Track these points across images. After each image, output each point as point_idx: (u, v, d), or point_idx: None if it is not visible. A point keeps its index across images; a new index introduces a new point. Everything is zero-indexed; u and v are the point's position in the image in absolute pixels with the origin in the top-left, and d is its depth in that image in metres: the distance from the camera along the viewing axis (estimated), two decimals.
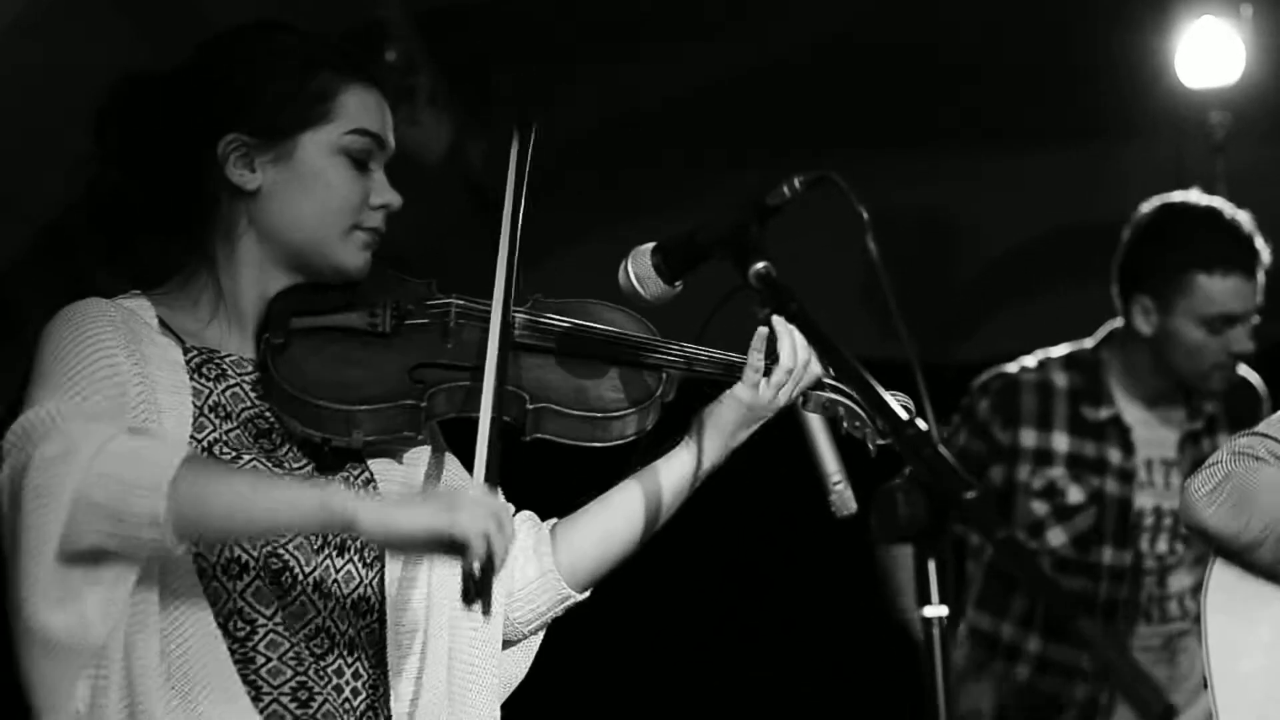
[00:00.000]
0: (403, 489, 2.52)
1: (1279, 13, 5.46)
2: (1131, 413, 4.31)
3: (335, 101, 2.48)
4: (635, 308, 2.58)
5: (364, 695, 2.45)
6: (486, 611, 2.26)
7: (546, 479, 2.68)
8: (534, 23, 5.04)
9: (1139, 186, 5.69)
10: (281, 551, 2.40)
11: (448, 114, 4.66)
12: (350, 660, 2.44)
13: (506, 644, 2.62)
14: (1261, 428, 3.08)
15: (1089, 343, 4.38)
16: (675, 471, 2.62)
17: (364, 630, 2.46)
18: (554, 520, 2.66)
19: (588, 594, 2.65)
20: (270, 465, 2.42)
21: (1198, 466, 4.12)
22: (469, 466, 2.59)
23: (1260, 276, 4.23)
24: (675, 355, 2.61)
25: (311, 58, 2.49)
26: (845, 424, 2.65)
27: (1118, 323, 4.36)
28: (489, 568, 2.26)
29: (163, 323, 2.48)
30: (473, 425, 2.43)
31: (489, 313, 2.50)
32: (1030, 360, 4.37)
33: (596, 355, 2.58)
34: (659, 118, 5.48)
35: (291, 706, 2.39)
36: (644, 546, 2.66)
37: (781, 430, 2.64)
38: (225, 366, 2.47)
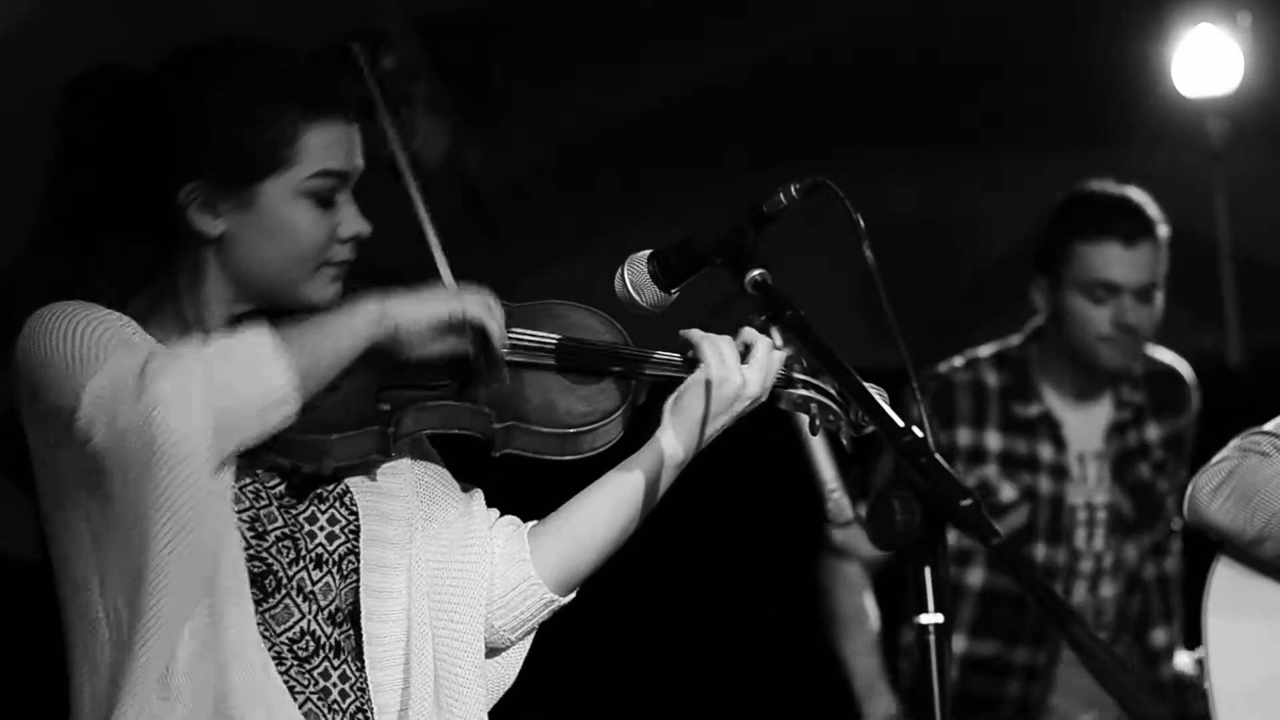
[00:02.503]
0: (378, 499, 2.50)
1: (1277, 21, 5.46)
2: (1060, 407, 4.30)
3: (297, 145, 2.42)
4: (630, 315, 2.57)
5: (353, 697, 2.44)
6: (506, 380, 2.44)
7: (527, 480, 2.65)
8: (532, 28, 5.04)
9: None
10: (265, 555, 2.40)
11: (445, 121, 4.66)
12: (337, 664, 2.43)
13: (493, 651, 2.60)
14: (1271, 427, 3.08)
15: (1015, 339, 4.39)
16: (648, 466, 2.59)
17: (344, 638, 2.45)
18: (534, 523, 2.64)
19: (572, 596, 2.62)
20: (247, 471, 2.39)
21: (1126, 457, 4.31)
22: (454, 470, 2.62)
23: (1150, 251, 4.23)
24: (644, 361, 2.59)
25: (269, 96, 2.42)
26: (818, 420, 2.63)
27: (1040, 320, 4.38)
28: (491, 346, 2.42)
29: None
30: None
31: None
32: (959, 360, 4.36)
33: (564, 367, 2.56)
34: (653, 122, 5.48)
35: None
36: (640, 547, 2.64)
37: (778, 438, 2.64)
38: None
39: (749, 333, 2.59)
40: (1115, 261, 4.21)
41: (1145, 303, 4.24)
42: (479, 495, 2.64)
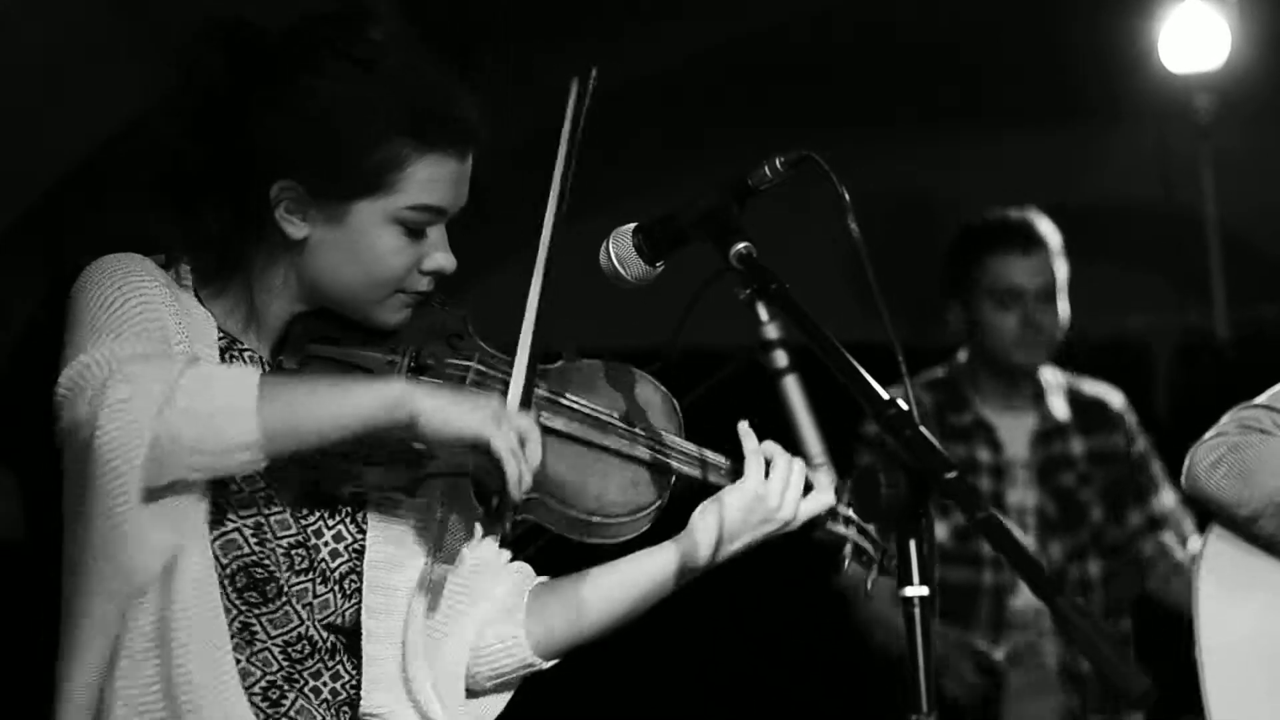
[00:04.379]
0: (391, 521, 2.46)
1: None
2: (990, 415, 4.61)
3: (403, 172, 2.34)
4: (618, 289, 2.54)
5: (344, 695, 2.42)
6: (503, 528, 2.34)
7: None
8: (518, 2, 5.02)
9: (1123, 170, 5.71)
10: (267, 562, 2.37)
11: (488, 116, 4.64)
12: (331, 664, 2.42)
13: (470, 694, 2.54)
14: (1268, 400, 3.08)
15: (942, 369, 4.70)
16: (663, 567, 2.54)
17: (340, 643, 2.43)
18: (541, 580, 2.58)
19: (553, 664, 2.56)
20: (264, 475, 2.34)
21: (1050, 464, 4.54)
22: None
23: (1047, 257, 4.59)
24: (690, 460, 2.54)
25: (388, 116, 2.32)
26: (849, 562, 2.57)
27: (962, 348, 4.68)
28: (505, 489, 2.28)
29: (199, 299, 2.42)
30: None
31: (508, 377, 2.41)
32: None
33: (610, 449, 2.49)
34: (635, 97, 5.46)
35: (263, 705, 2.36)
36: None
37: (767, 415, 2.62)
38: (244, 360, 2.42)
39: (796, 460, 2.54)
40: (1015, 268, 4.58)
41: (1048, 303, 4.58)
42: (494, 539, 2.57)
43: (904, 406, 2.16)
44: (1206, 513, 3.13)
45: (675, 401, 2.59)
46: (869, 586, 2.59)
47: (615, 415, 2.52)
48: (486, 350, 2.49)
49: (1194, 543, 4.53)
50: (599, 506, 2.47)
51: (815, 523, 2.59)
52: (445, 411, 2.26)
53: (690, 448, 2.55)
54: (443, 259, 2.40)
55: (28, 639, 2.39)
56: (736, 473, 2.55)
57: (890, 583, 4.29)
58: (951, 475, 2.07)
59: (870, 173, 4.84)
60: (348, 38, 2.37)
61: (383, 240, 2.37)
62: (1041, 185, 5.54)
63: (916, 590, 2.08)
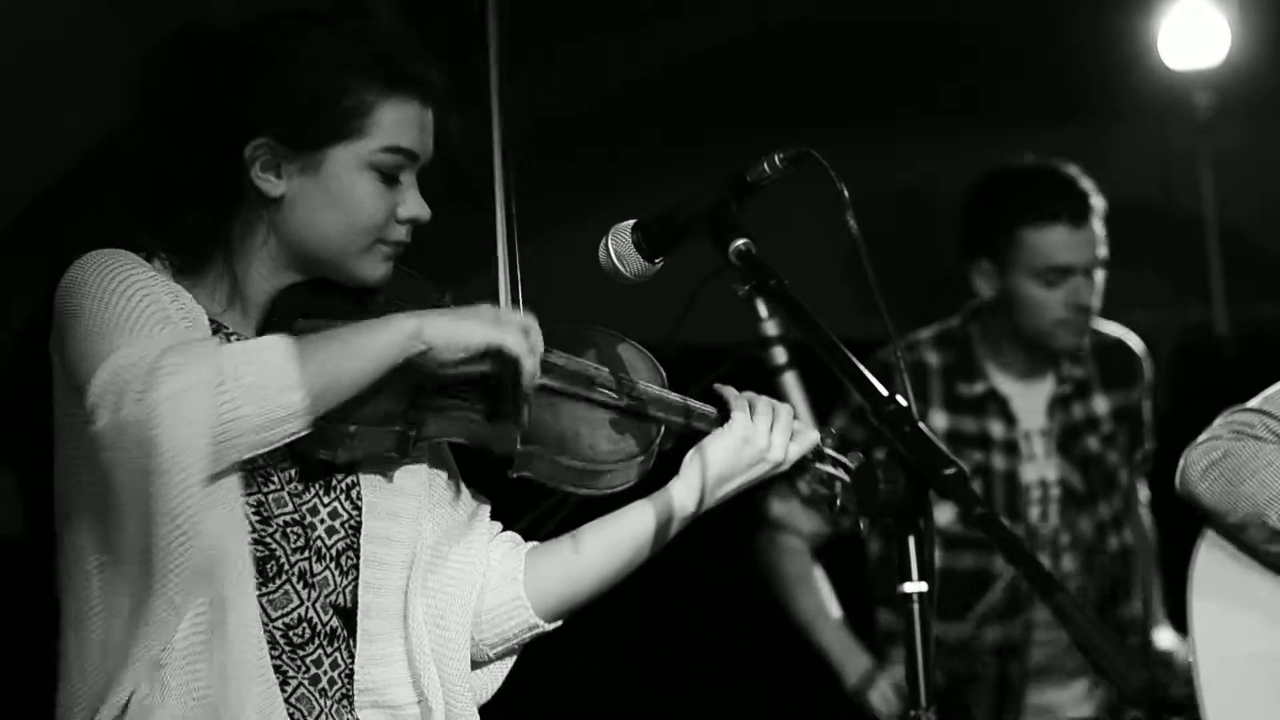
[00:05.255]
0: (387, 496, 2.48)
1: None
2: (1005, 385, 4.28)
3: (371, 117, 2.40)
4: (617, 286, 2.56)
5: (340, 685, 2.43)
6: (522, 422, 2.38)
7: (537, 499, 2.62)
8: (518, 3, 5.02)
9: (1123, 167, 5.70)
10: (269, 540, 2.38)
11: (450, 74, 4.64)
12: (330, 650, 2.42)
13: (475, 665, 2.57)
14: (1260, 404, 3.08)
15: (956, 320, 4.36)
16: (657, 515, 2.57)
17: (340, 626, 2.44)
18: (534, 544, 2.61)
19: (558, 624, 2.59)
20: (261, 459, 2.36)
21: (1072, 431, 4.28)
22: (469, 479, 2.60)
23: (1095, 228, 4.21)
24: (676, 409, 2.58)
25: (352, 65, 2.40)
26: (839, 499, 2.62)
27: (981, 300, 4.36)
28: (519, 381, 2.36)
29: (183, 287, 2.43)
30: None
31: None
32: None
33: (598, 401, 2.54)
34: (634, 96, 5.47)
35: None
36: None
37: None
38: None
39: (780, 404, 2.59)
40: (1067, 246, 4.18)
41: (1092, 280, 4.22)
42: (486, 507, 2.62)
43: (903, 403, 2.16)
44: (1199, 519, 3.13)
45: (653, 356, 2.63)
46: (864, 528, 2.61)
47: (601, 368, 2.56)
48: None
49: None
50: (592, 455, 2.51)
51: (803, 464, 2.62)
52: (453, 330, 2.34)
53: (676, 397, 2.60)
54: (417, 206, 2.46)
55: (27, 637, 2.39)
56: (723, 419, 2.60)
57: (802, 546, 4.26)
58: (950, 472, 2.07)
59: (870, 170, 4.83)
60: (300, 14, 2.45)
61: (359, 186, 2.42)
62: None
63: (916, 586, 2.08)
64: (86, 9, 4.40)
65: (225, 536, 2.29)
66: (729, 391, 2.61)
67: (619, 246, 2.50)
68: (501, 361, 2.36)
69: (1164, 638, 4.44)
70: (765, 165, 2.42)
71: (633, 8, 5.38)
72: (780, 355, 2.25)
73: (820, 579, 4.36)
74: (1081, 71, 5.49)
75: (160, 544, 2.24)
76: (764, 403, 2.60)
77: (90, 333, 2.30)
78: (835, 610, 4.35)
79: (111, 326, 2.29)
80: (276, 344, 2.28)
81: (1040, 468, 4.29)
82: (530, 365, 2.37)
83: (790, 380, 2.21)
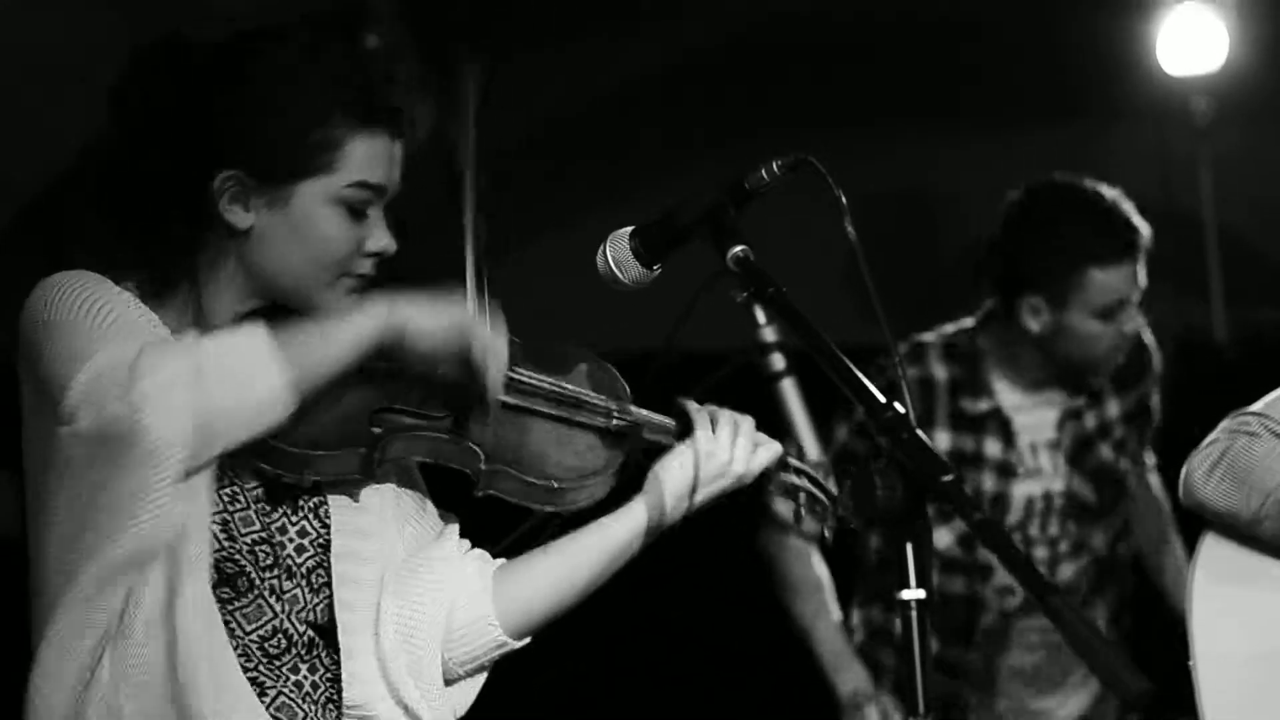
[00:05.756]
0: (355, 514, 2.48)
1: None
2: (1011, 400, 4.20)
3: (341, 151, 2.40)
4: (614, 292, 2.55)
5: (324, 689, 2.43)
6: (483, 421, 2.40)
7: (506, 517, 2.62)
8: (511, 6, 5.03)
9: (1122, 170, 5.69)
10: (236, 557, 2.38)
11: (429, 100, 4.64)
12: (308, 657, 2.43)
13: (446, 682, 2.56)
14: (1262, 408, 3.08)
15: (969, 322, 4.27)
16: (622, 531, 2.57)
17: (317, 637, 2.44)
18: (502, 562, 2.62)
19: (525, 642, 2.59)
20: (227, 473, 2.38)
21: (1081, 443, 4.23)
22: (437, 501, 2.61)
23: (1142, 258, 4.12)
24: (639, 424, 2.59)
25: (322, 98, 2.39)
26: (804, 509, 2.63)
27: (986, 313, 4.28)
28: (483, 386, 2.38)
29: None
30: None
31: None
32: (903, 346, 4.23)
33: (562, 419, 2.55)
34: (633, 99, 5.47)
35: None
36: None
37: (764, 418, 2.62)
38: None
39: (742, 416, 2.60)
40: (1128, 281, 4.10)
41: (1137, 306, 4.17)
42: (454, 526, 2.62)
43: (901, 410, 2.16)
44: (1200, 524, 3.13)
45: (618, 373, 2.63)
46: (828, 535, 2.60)
47: (565, 385, 2.57)
48: None
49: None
50: (557, 472, 2.52)
51: (768, 475, 2.63)
52: (427, 314, 2.36)
53: (639, 412, 2.60)
54: (384, 240, 2.45)
55: (27, 637, 2.39)
56: (687, 433, 2.60)
57: (807, 548, 4.24)
58: (948, 479, 2.08)
59: (868, 173, 4.84)
60: (282, 31, 2.44)
61: (326, 221, 2.41)
62: None
63: (913, 594, 2.08)
64: (86, 9, 4.41)
65: (180, 534, 2.28)
66: (690, 405, 2.62)
67: (617, 253, 2.50)
68: (469, 365, 2.38)
69: None
70: (763, 172, 2.42)
71: (633, 8, 5.39)
72: (778, 362, 2.26)
73: (823, 582, 4.29)
74: (1080, 75, 5.49)
75: (114, 537, 2.25)
76: (725, 416, 2.60)
77: (64, 344, 2.30)
78: (835, 614, 4.28)
79: (85, 336, 2.30)
80: (253, 334, 2.30)
81: (1046, 481, 4.23)
82: (494, 373, 2.40)
83: (788, 387, 2.22)
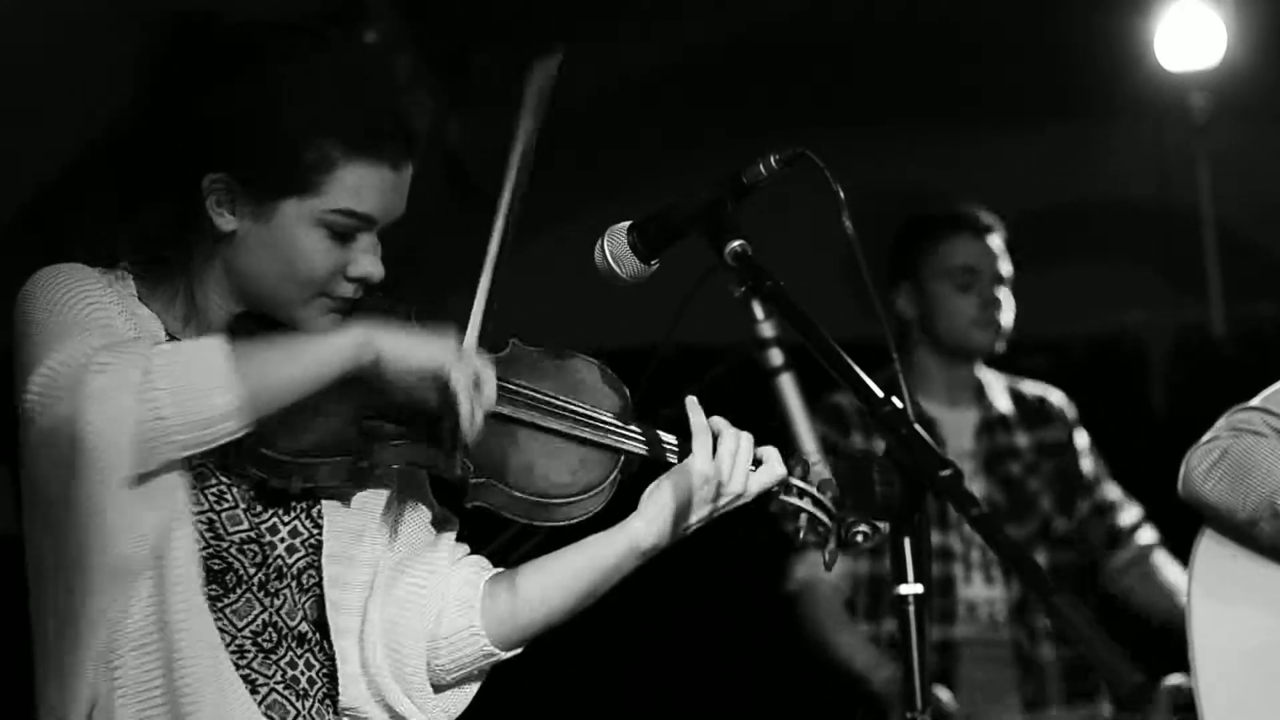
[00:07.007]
0: (348, 515, 2.47)
1: None
2: (933, 410, 4.55)
3: (331, 175, 2.35)
4: (612, 287, 2.54)
5: (320, 684, 2.43)
6: (455, 468, 2.33)
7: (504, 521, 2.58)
8: (511, 6, 5.03)
9: (1119, 168, 5.70)
10: (224, 554, 2.37)
11: (428, 95, 4.65)
12: (301, 652, 2.42)
13: (437, 689, 2.54)
14: (1261, 402, 3.08)
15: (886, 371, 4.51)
16: (615, 550, 2.53)
17: (310, 630, 2.43)
18: (496, 571, 2.58)
19: (516, 652, 2.56)
20: (215, 472, 2.38)
21: (996, 455, 4.50)
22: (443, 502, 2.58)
23: (998, 243, 4.58)
24: (636, 440, 2.54)
25: (323, 118, 2.35)
26: (805, 531, 2.48)
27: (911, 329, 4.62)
28: (458, 425, 2.31)
29: (141, 301, 2.44)
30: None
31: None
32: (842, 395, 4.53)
33: (557, 432, 2.51)
34: (635, 97, 5.47)
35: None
36: None
37: (761, 413, 2.61)
38: None
39: (743, 434, 2.54)
40: (971, 249, 4.57)
41: (1000, 287, 4.55)
42: (451, 532, 2.58)
43: (899, 404, 2.16)
44: (1197, 520, 3.13)
45: (620, 382, 2.59)
46: (827, 558, 2.55)
47: (560, 398, 2.53)
48: None
49: (1146, 534, 4.56)
50: (548, 488, 2.48)
51: (768, 495, 2.55)
52: (405, 347, 2.30)
53: (637, 427, 2.56)
54: (369, 266, 2.40)
55: (26, 636, 2.39)
56: (685, 450, 2.54)
57: (836, 599, 4.34)
58: (946, 473, 2.08)
59: (866, 170, 4.84)
60: (296, 37, 2.41)
61: (306, 240, 2.37)
62: (1038, 183, 5.56)
63: (911, 588, 2.08)
64: (86, 9, 4.41)
65: (161, 540, 2.27)
66: (696, 418, 2.54)
67: (615, 248, 2.49)
68: (444, 399, 2.32)
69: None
70: (761, 166, 2.40)
71: (634, 7, 5.39)
72: (777, 357, 2.24)
73: (851, 622, 4.45)
74: (1078, 72, 5.49)
75: (82, 543, 2.23)
76: (729, 434, 2.53)
77: (36, 342, 2.30)
78: (865, 639, 4.42)
79: (54, 333, 2.29)
80: (212, 344, 2.27)
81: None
82: (468, 411, 2.31)
83: (786, 382, 2.21)
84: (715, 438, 2.54)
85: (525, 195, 2.47)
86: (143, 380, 2.20)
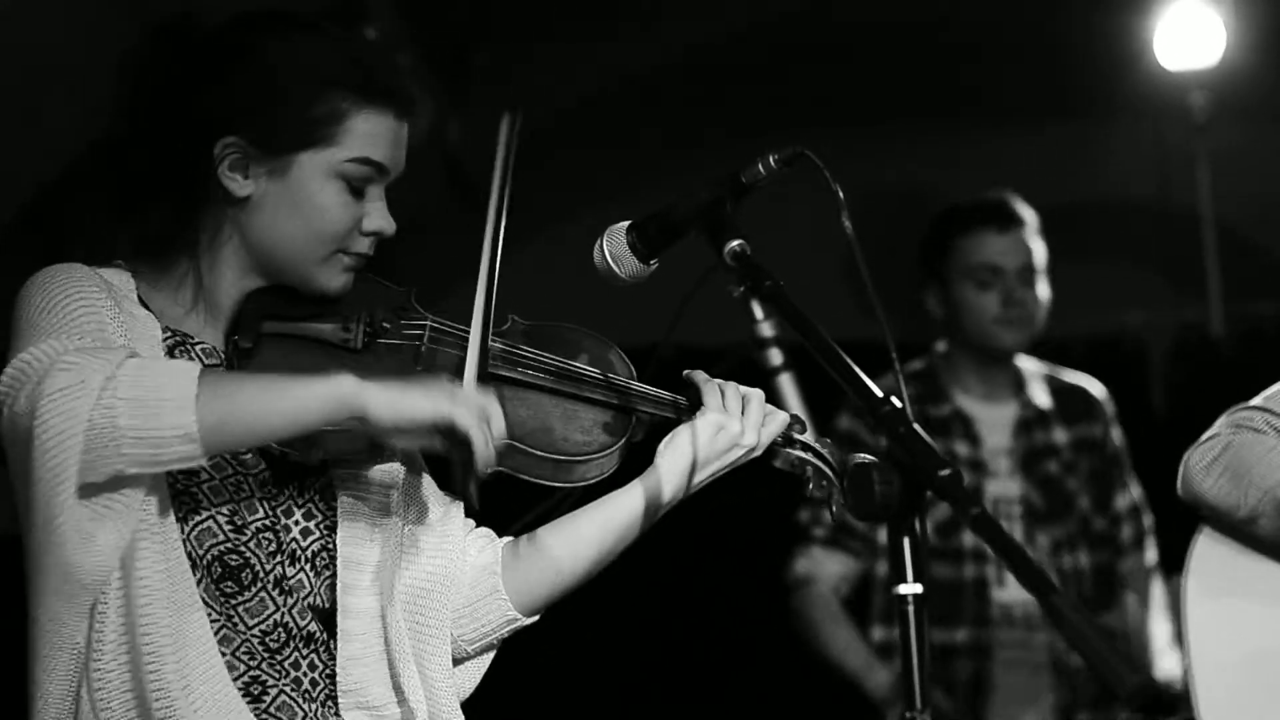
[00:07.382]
0: (361, 497, 2.48)
1: None
2: (970, 406, 4.51)
3: (343, 125, 2.40)
4: (611, 287, 2.56)
5: (323, 685, 2.43)
6: (470, 501, 2.30)
7: (510, 497, 2.60)
8: (512, 5, 5.03)
9: (1119, 167, 5.70)
10: (243, 549, 2.38)
11: (427, 93, 4.65)
12: (306, 653, 2.43)
13: (455, 662, 2.56)
14: (1262, 402, 3.07)
15: (918, 364, 4.59)
16: (632, 505, 2.57)
17: (317, 629, 2.44)
18: (509, 538, 2.62)
19: (535, 618, 2.59)
20: (230, 461, 2.39)
21: (1034, 454, 4.46)
22: (440, 483, 2.60)
23: (1023, 236, 4.51)
24: (647, 399, 2.58)
25: (328, 72, 2.40)
26: (811, 484, 2.63)
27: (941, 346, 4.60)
28: (471, 462, 2.28)
29: (141, 299, 2.44)
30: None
31: (464, 337, 2.44)
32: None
33: (569, 394, 2.54)
34: (635, 97, 5.47)
35: (245, 702, 2.37)
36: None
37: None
38: (197, 354, 2.43)
39: (751, 389, 2.60)
40: (993, 246, 4.49)
41: (1028, 283, 4.49)
42: (459, 505, 2.61)
43: (898, 404, 2.16)
44: (1194, 519, 3.12)
45: (622, 352, 2.63)
46: (834, 511, 2.61)
47: (570, 363, 2.57)
48: (436, 319, 2.52)
49: (1150, 555, 4.57)
50: (564, 449, 2.51)
51: (774, 450, 2.62)
52: (398, 402, 2.28)
53: (646, 387, 2.60)
54: (381, 220, 2.45)
55: (26, 636, 2.40)
56: (695, 407, 2.59)
57: (834, 597, 4.36)
58: (946, 473, 2.08)
59: (866, 169, 4.85)
60: (280, 17, 2.45)
61: (325, 193, 2.41)
62: (1038, 182, 5.53)
63: (910, 588, 2.08)
64: (86, 8, 4.41)
65: (117, 552, 2.26)
66: (699, 376, 2.61)
67: (614, 248, 2.49)
68: (453, 440, 2.30)
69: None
70: (760, 166, 2.41)
71: (634, 7, 5.39)
72: (776, 357, 2.25)
73: (848, 622, 4.47)
74: (1078, 71, 5.50)
75: (39, 543, 2.24)
76: (734, 389, 2.59)
77: (23, 337, 2.31)
78: (861, 641, 4.44)
79: (40, 330, 2.31)
80: (186, 367, 2.26)
81: (1003, 485, 4.47)
82: (482, 448, 2.28)
83: (786, 382, 2.21)
84: (723, 393, 2.59)
85: (508, 235, 2.47)
86: (104, 385, 2.20)
